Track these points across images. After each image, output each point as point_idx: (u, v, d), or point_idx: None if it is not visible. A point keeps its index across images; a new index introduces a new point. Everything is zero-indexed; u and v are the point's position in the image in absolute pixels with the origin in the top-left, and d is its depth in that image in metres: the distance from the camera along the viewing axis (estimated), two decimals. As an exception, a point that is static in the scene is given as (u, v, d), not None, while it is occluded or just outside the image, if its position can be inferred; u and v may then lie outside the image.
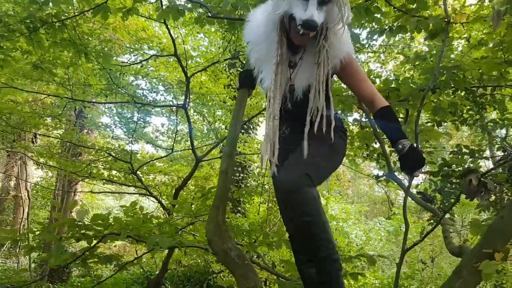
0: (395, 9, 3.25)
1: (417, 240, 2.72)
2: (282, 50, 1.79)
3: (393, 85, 3.23)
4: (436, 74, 2.63)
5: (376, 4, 3.19)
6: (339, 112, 3.58)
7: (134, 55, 8.10)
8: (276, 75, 1.80)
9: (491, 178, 4.85)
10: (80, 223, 2.61)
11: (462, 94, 3.97)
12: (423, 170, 1.75)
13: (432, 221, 4.34)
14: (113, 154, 6.38)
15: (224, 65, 7.95)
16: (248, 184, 9.14)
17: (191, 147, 5.25)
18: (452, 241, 2.08)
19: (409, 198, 2.68)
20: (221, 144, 7.43)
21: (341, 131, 1.97)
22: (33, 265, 8.49)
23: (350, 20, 1.75)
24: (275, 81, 1.80)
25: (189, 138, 5.91)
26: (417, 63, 3.78)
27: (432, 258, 6.64)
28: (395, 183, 3.82)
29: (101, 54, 4.07)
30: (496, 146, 5.53)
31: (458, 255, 1.93)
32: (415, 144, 1.97)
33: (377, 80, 3.62)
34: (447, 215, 4.38)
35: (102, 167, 6.98)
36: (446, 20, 2.74)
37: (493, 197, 4.75)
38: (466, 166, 4.68)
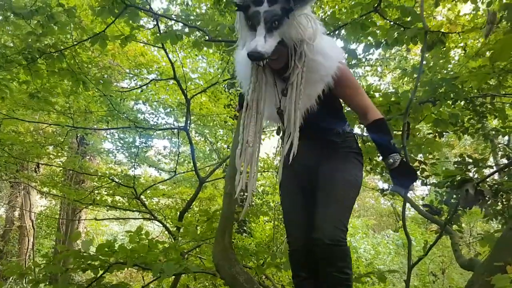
0: (390, 22, 3.27)
1: (421, 255, 2.68)
2: (257, 77, 1.77)
3: (392, 99, 3.24)
4: (415, 92, 2.59)
5: (371, 18, 3.22)
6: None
7: (134, 80, 8.17)
8: (250, 101, 1.77)
9: (496, 187, 4.83)
10: (86, 254, 2.58)
11: (462, 104, 3.97)
12: (415, 185, 1.74)
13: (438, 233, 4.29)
14: (116, 180, 6.37)
15: (224, 85, 7.99)
16: (253, 203, 9.09)
17: (194, 169, 5.25)
18: (461, 254, 2.05)
19: (413, 210, 2.65)
20: (224, 164, 7.42)
21: (358, 154, 1.98)
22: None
23: (320, 32, 1.72)
24: (248, 108, 1.78)
25: (191, 160, 5.92)
26: (415, 75, 3.79)
27: (443, 270, 6.55)
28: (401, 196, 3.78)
29: (100, 81, 4.09)
30: (500, 153, 5.51)
31: (468, 268, 1.90)
32: (405, 159, 1.96)
33: (376, 94, 3.63)
34: (455, 227, 4.34)
35: (106, 193, 6.96)
36: (424, 30, 2.72)
37: (500, 206, 4.71)
38: (469, 175, 4.66)
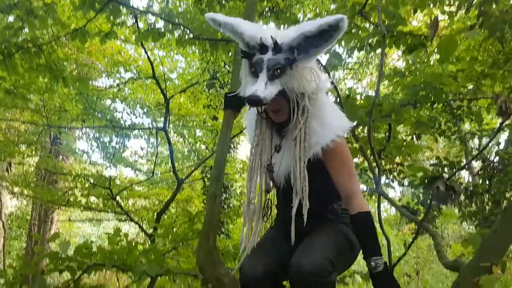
0: (373, 25, 3.31)
1: (401, 254, 2.68)
2: (262, 130, 1.74)
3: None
4: (377, 92, 2.59)
5: (354, 21, 3.25)
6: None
7: (110, 78, 8.02)
8: (254, 155, 1.74)
9: (471, 190, 4.94)
10: (63, 256, 2.50)
11: (439, 107, 4.06)
12: None
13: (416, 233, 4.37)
14: (91, 180, 6.22)
15: (203, 86, 7.94)
16: (231, 205, 9.05)
17: (172, 169, 5.17)
18: (445, 254, 2.08)
19: (385, 213, 2.68)
20: (204, 165, 7.35)
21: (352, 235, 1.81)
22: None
23: (323, 90, 1.68)
24: (252, 161, 1.75)
25: (169, 161, 5.84)
26: (396, 79, 3.85)
27: (417, 271, 6.67)
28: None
29: (78, 79, 3.98)
30: (471, 156, 5.67)
31: (453, 269, 1.92)
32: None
33: (358, 97, 3.65)
34: (430, 227, 4.43)
35: (80, 193, 6.79)
36: (383, 33, 2.73)
37: (475, 207, 4.84)
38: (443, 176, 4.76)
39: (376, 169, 2.81)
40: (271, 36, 1.54)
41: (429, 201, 4.01)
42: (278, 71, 1.54)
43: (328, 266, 1.56)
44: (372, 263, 1.61)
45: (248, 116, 1.89)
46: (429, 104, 3.18)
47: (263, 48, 1.55)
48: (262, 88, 1.51)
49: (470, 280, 1.69)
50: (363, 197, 1.76)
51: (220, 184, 2.40)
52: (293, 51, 1.54)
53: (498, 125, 4.57)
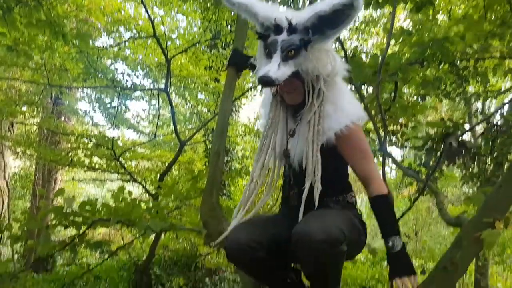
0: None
1: (405, 209, 2.71)
2: (275, 113, 1.71)
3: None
4: (387, 50, 2.54)
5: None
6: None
7: (110, 38, 7.88)
8: (265, 137, 1.71)
9: (473, 151, 4.95)
10: (68, 211, 2.53)
11: (446, 67, 4.00)
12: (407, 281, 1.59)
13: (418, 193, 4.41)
14: (94, 141, 6.23)
15: (205, 46, 7.80)
16: (233, 167, 9.12)
17: (174, 131, 5.15)
18: (447, 212, 2.10)
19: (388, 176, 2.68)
20: (205, 128, 7.33)
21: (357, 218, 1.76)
22: (15, 256, 8.32)
23: (339, 74, 1.65)
24: (262, 143, 1.72)
25: (171, 123, 5.80)
26: (402, 38, 3.76)
27: (416, 232, 6.80)
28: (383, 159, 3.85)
29: (78, 35, 3.89)
30: (475, 118, 5.64)
31: (455, 225, 1.94)
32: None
33: (364, 56, 3.59)
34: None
35: (83, 154, 6.82)
36: None
37: (477, 169, 4.86)
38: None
39: (382, 130, 2.79)
40: (286, 16, 1.52)
41: (438, 157, 4.01)
42: (292, 52, 1.52)
43: (340, 234, 1.46)
44: (390, 243, 1.59)
45: (263, 101, 1.87)
46: (436, 63, 3.12)
47: (277, 29, 1.53)
48: (275, 68, 1.49)
49: (472, 235, 1.70)
50: (382, 181, 1.73)
51: (223, 142, 2.40)
52: (308, 32, 1.52)
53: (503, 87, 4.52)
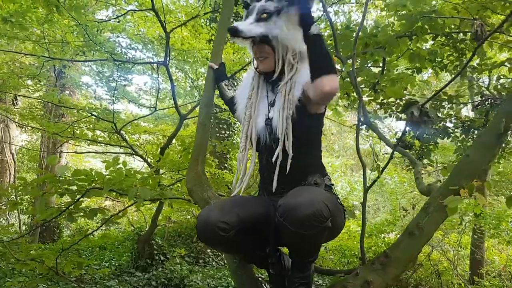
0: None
1: (375, 177, 2.74)
2: (255, 85, 1.89)
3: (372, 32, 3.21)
4: (363, 20, 2.56)
5: None
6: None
7: (111, 10, 7.85)
8: (247, 108, 1.88)
9: (468, 124, 4.96)
10: (61, 178, 2.63)
11: (442, 39, 3.97)
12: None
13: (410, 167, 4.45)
14: (95, 114, 6.31)
15: (205, 19, 7.76)
16: (234, 141, 9.19)
17: (174, 105, 5.20)
18: (422, 181, 2.17)
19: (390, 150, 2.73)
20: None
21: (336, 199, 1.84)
22: (23, 227, 8.58)
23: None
24: (245, 115, 1.88)
25: (172, 96, 5.83)
26: (398, 10, 3.74)
27: (413, 205, 6.86)
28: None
29: (71, 6, 3.89)
30: (475, 92, 5.61)
31: (427, 193, 2.01)
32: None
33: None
34: (426, 161, 4.52)
35: (86, 127, 6.92)
36: None
37: (471, 141, 4.88)
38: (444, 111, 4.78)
39: (359, 100, 2.81)
40: None
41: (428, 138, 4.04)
42: (265, 15, 1.72)
43: (326, 210, 1.50)
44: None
45: (244, 80, 2.05)
46: (425, 36, 3.12)
47: None
48: (245, 24, 1.70)
49: (438, 201, 1.77)
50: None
51: (210, 111, 2.46)
52: (283, 2, 1.71)
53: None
